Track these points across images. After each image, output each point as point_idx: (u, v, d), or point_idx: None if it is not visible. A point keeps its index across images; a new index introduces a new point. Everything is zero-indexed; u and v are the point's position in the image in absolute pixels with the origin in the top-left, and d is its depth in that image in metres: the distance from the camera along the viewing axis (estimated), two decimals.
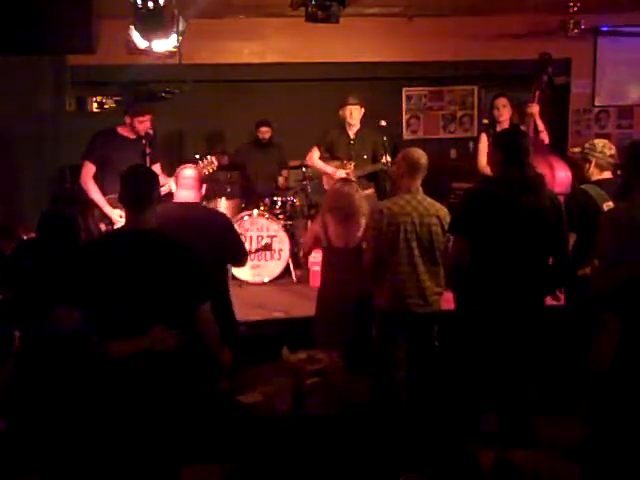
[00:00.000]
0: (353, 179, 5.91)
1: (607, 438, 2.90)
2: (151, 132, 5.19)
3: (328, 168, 6.15)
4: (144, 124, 5.18)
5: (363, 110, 6.06)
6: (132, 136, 5.21)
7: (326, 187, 6.24)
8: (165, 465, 2.92)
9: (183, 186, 4.11)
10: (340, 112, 6.09)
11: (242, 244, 4.39)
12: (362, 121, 6.11)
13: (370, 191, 5.99)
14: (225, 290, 4.17)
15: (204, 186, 4.18)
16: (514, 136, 3.84)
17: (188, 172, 4.14)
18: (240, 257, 4.27)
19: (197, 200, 4.15)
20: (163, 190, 4.45)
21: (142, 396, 2.86)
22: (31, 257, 3.75)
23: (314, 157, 6.25)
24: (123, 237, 3.09)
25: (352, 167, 6.04)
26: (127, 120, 5.21)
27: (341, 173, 5.97)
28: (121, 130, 5.24)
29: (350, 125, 6.07)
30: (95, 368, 2.87)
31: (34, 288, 3.49)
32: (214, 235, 3.95)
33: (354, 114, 6.01)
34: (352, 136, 6.11)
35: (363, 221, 4.32)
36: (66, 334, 2.89)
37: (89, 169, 5.12)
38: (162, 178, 4.60)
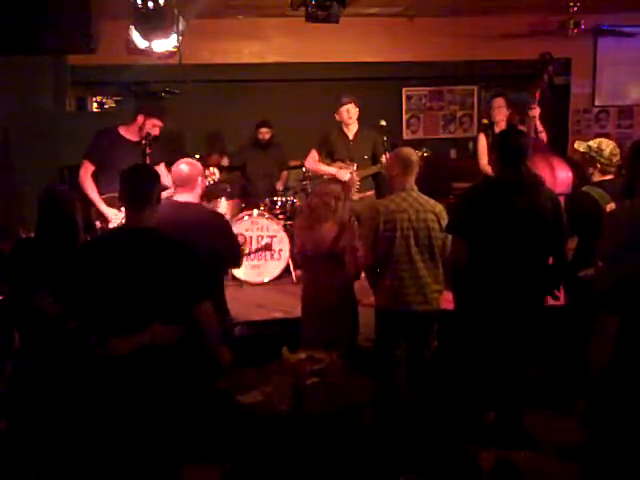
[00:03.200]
0: (357, 180, 5.91)
1: (606, 438, 2.89)
2: (154, 134, 5.09)
3: (331, 169, 5.97)
4: (156, 129, 5.10)
5: (358, 109, 5.92)
6: (134, 138, 5.09)
7: None
8: (165, 464, 2.92)
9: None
10: (336, 115, 5.96)
11: (238, 245, 4.28)
12: (361, 121, 5.98)
13: (371, 193, 5.90)
14: (221, 290, 4.13)
15: (202, 184, 4.08)
16: (510, 137, 3.85)
17: (183, 168, 3.99)
18: (236, 258, 4.18)
19: (195, 199, 4.03)
20: (168, 193, 4.38)
21: (142, 396, 2.86)
22: (30, 255, 3.75)
23: (311, 160, 6.11)
24: (122, 236, 3.09)
25: (355, 168, 5.92)
26: (139, 120, 5.08)
27: (344, 174, 5.85)
28: (123, 131, 5.14)
29: (348, 125, 5.95)
30: (95, 367, 2.87)
31: (33, 286, 3.49)
32: (210, 235, 3.86)
33: (351, 112, 5.88)
34: (351, 137, 6.00)
35: (333, 226, 4.27)
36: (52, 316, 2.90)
37: (87, 168, 5.07)
38: (167, 179, 4.50)
